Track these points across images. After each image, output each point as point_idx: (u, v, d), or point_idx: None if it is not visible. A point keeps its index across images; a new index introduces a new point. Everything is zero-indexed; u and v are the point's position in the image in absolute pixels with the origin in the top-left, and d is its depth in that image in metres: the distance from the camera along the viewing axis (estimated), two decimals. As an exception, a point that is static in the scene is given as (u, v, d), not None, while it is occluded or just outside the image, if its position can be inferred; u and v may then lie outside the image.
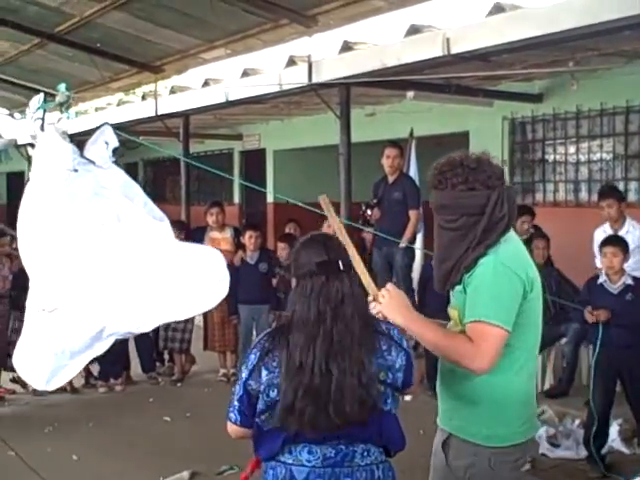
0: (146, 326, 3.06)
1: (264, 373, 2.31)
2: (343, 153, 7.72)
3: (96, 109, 13.57)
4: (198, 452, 5.34)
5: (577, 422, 5.48)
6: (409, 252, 6.90)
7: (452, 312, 2.64)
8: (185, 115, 10.62)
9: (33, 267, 3.12)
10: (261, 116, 12.43)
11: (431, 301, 6.63)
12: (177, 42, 9.78)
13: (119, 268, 3.04)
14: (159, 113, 10.24)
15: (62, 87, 3.61)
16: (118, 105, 12.35)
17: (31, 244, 3.13)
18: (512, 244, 2.58)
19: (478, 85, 8.51)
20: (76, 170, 3.19)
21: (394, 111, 10.37)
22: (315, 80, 7.47)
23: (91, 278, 3.01)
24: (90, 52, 10.77)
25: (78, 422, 6.15)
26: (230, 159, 14.97)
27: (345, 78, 7.33)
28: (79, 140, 3.37)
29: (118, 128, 10.81)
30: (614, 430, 5.32)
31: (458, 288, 2.58)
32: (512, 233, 2.62)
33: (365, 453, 2.36)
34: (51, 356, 2.94)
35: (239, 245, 7.54)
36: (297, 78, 7.76)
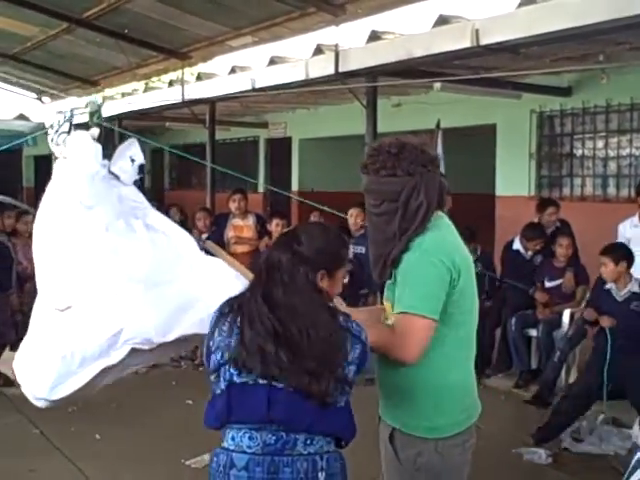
0: (165, 337, 2.88)
1: (216, 335, 2.31)
2: (369, 143, 7.71)
3: (122, 95, 13.65)
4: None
5: (601, 417, 5.47)
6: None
7: (386, 305, 2.64)
8: (211, 102, 10.65)
9: (46, 264, 3.03)
10: (287, 104, 12.44)
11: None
12: (204, 29, 9.79)
13: (140, 272, 2.96)
14: (185, 99, 10.27)
15: (95, 98, 3.62)
16: (145, 91, 12.41)
17: (48, 241, 3.05)
18: (440, 230, 2.54)
19: (506, 77, 8.45)
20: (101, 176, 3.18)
21: (420, 102, 10.34)
22: (342, 69, 7.46)
23: (111, 279, 2.90)
24: (118, 38, 10.80)
25: (101, 403, 6.18)
26: (256, 147, 15.00)
27: (372, 68, 7.32)
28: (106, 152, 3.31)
29: (144, 114, 10.92)
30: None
31: (390, 282, 2.59)
32: (442, 219, 2.59)
33: (308, 441, 2.27)
34: (58, 360, 2.76)
35: (262, 232, 7.56)
36: (324, 67, 7.75)
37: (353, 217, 7.22)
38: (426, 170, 2.52)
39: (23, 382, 2.87)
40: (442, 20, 6.57)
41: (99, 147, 3.22)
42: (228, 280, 2.97)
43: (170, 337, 2.89)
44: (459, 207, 8.46)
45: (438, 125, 8.24)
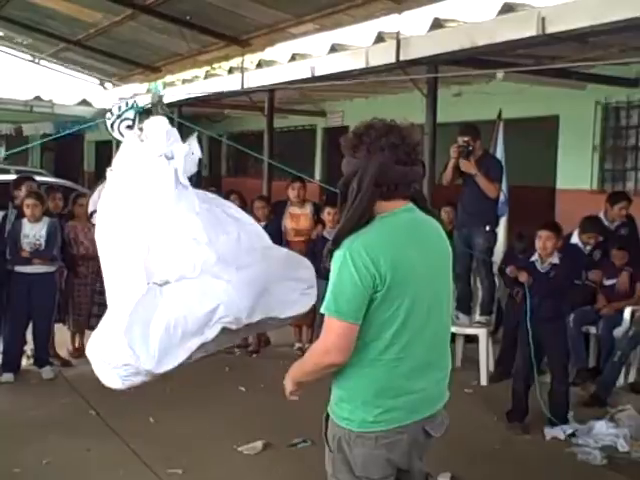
0: (251, 317, 3.10)
1: None
2: (428, 133, 7.62)
3: (183, 81, 13.78)
4: (271, 423, 5.40)
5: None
6: (491, 235, 6.75)
7: None
8: (270, 90, 10.66)
9: (134, 243, 3.13)
10: (346, 93, 12.37)
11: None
12: (266, 16, 9.79)
13: (230, 254, 3.13)
14: (245, 87, 10.30)
15: (157, 86, 3.64)
16: (205, 78, 12.49)
17: (135, 220, 3.14)
18: (381, 229, 2.41)
19: (571, 67, 8.24)
20: (172, 158, 3.26)
21: (481, 92, 10.17)
22: (403, 58, 7.39)
23: (204, 258, 3.04)
24: (180, 24, 10.89)
25: (156, 387, 6.22)
26: (313, 135, 14.98)
27: (434, 56, 7.22)
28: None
29: (204, 101, 11.02)
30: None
31: None
32: (396, 215, 2.45)
33: None
34: (162, 331, 2.91)
35: (318, 221, 7.54)
36: (385, 55, 7.68)
37: None
38: (377, 156, 2.39)
39: (134, 354, 2.96)
40: (507, 8, 6.44)
41: (175, 131, 3.32)
42: (298, 267, 3.26)
43: (255, 318, 3.11)
44: (519, 200, 8.34)
45: (500, 115, 8.08)
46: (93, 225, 7.24)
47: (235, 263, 3.10)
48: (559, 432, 5.32)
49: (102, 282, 7.21)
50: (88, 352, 3.18)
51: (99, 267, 7.20)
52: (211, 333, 3.02)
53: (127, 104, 3.45)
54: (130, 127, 3.39)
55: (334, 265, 2.40)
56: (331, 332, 2.42)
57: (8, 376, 6.42)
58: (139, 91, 16.35)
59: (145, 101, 3.60)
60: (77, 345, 7.30)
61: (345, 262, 2.35)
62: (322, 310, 2.43)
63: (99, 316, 7.12)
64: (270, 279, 3.18)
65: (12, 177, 10.60)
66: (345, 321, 2.37)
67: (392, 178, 2.41)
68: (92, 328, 7.25)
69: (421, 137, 7.69)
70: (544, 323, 5.37)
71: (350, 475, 2.56)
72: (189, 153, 3.33)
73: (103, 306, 7.22)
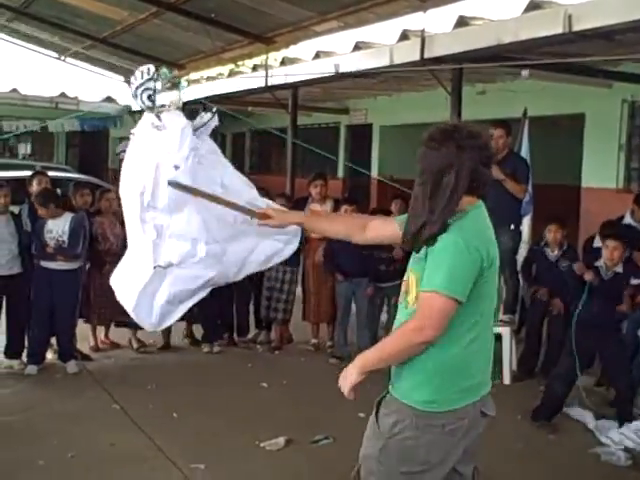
0: (238, 276, 3.63)
1: None
2: (452, 131, 7.58)
3: (207, 78, 13.83)
4: (293, 420, 5.41)
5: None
6: (515, 235, 6.71)
7: (410, 276, 2.70)
8: (294, 87, 10.67)
9: (143, 228, 3.40)
10: (369, 91, 12.36)
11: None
12: (290, 14, 9.79)
13: (224, 233, 3.43)
14: (269, 84, 10.32)
15: (167, 72, 3.71)
16: (229, 75, 12.54)
17: (141, 206, 3.37)
18: (478, 219, 2.64)
19: (597, 65, 8.17)
20: (197, 149, 3.41)
21: (506, 90, 10.12)
22: (427, 55, 7.36)
23: (202, 240, 3.34)
24: (204, 22, 10.93)
25: (179, 382, 6.34)
26: (336, 133, 14.99)
27: (458, 54, 7.19)
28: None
29: (227, 98, 11.03)
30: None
31: (419, 255, 2.64)
32: (480, 209, 2.66)
33: None
34: (164, 304, 3.36)
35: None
36: (409, 53, 7.66)
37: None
38: (469, 155, 2.57)
39: (139, 321, 3.52)
40: (533, 5, 6.40)
41: (189, 123, 3.41)
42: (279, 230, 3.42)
43: (241, 275, 3.64)
44: (543, 198, 8.29)
45: (525, 114, 8.04)
46: (119, 221, 7.37)
47: (227, 239, 3.44)
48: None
49: None
50: (112, 282, 3.62)
51: None
52: (203, 293, 3.50)
53: (148, 72, 3.46)
54: (151, 98, 3.43)
55: (445, 248, 2.52)
56: (431, 309, 2.51)
57: (32, 368, 6.50)
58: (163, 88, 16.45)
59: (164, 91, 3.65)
60: (102, 338, 7.38)
61: (459, 246, 2.51)
62: (434, 288, 2.50)
63: (124, 312, 7.21)
64: (258, 240, 3.54)
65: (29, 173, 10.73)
66: (452, 298, 2.49)
67: (478, 177, 2.61)
68: (119, 324, 7.39)
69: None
70: (598, 329, 5.34)
71: (400, 462, 2.63)
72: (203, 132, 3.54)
73: None
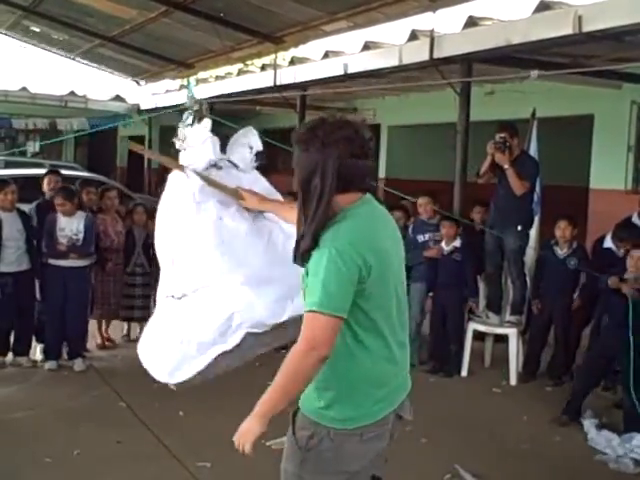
0: (277, 319, 2.97)
1: None
2: (461, 131, 7.58)
3: (216, 78, 13.86)
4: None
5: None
6: (523, 236, 6.70)
7: (303, 291, 2.52)
8: (303, 87, 10.67)
9: (164, 256, 3.15)
10: (378, 91, 12.34)
11: (548, 285, 6.46)
12: (299, 13, 9.80)
13: (250, 261, 3.02)
14: (278, 84, 10.32)
15: (191, 88, 3.69)
16: (238, 75, 12.56)
17: (165, 234, 3.17)
18: (355, 221, 2.41)
19: (607, 66, 8.13)
20: (220, 167, 3.24)
21: (514, 90, 10.09)
22: (436, 56, 7.36)
23: (222, 267, 2.98)
24: (213, 21, 10.94)
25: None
26: (344, 133, 14.96)
27: (468, 54, 7.17)
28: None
29: (236, 97, 10.96)
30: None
31: (303, 272, 2.47)
32: (363, 206, 2.46)
33: None
34: (176, 345, 2.93)
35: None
36: (418, 53, 7.66)
37: (422, 206, 7.15)
38: (334, 150, 2.37)
39: (147, 366, 3.07)
40: (543, 6, 6.39)
41: (216, 139, 3.27)
42: None
43: (283, 317, 2.96)
44: (551, 199, 8.26)
45: (534, 114, 8.02)
46: (120, 218, 7.45)
47: (255, 269, 3.00)
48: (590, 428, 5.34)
49: (129, 274, 7.42)
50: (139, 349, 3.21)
51: (126, 259, 7.44)
52: (233, 340, 2.93)
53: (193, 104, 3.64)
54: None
55: (318, 262, 2.35)
56: (315, 328, 2.33)
57: (52, 363, 6.57)
58: (171, 87, 16.50)
59: (182, 100, 3.66)
60: (105, 335, 7.46)
61: (332, 258, 2.32)
62: (311, 307, 2.33)
63: (128, 307, 7.26)
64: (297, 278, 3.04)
65: (42, 171, 10.77)
66: (333, 315, 2.31)
67: (350, 171, 2.40)
68: (123, 319, 7.46)
69: (454, 136, 7.67)
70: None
71: (320, 475, 2.52)
72: (244, 149, 3.35)
73: (130, 298, 7.41)
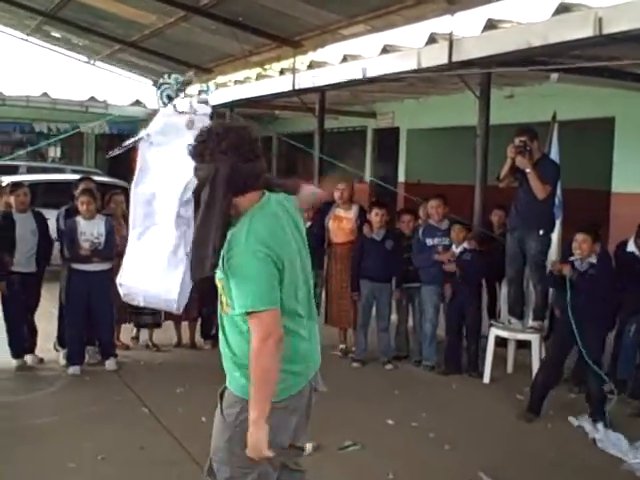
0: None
1: None
2: (480, 135, 7.55)
3: (235, 82, 13.88)
4: (322, 425, 5.35)
5: None
6: (545, 240, 6.66)
7: (218, 283, 2.75)
8: (321, 91, 10.68)
9: (176, 222, 3.64)
10: (397, 94, 12.34)
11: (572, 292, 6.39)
12: (318, 17, 9.79)
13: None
14: (296, 88, 10.33)
15: (177, 78, 4.07)
16: (257, 79, 12.57)
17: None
18: (263, 220, 2.64)
19: (627, 68, 8.08)
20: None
21: (534, 93, 10.06)
22: (455, 59, 7.32)
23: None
24: (232, 25, 10.96)
25: (208, 385, 6.28)
26: (363, 136, 14.97)
27: (487, 58, 7.14)
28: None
29: (256, 101, 11.06)
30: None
31: (219, 274, 2.69)
32: (267, 205, 2.69)
33: None
34: (188, 287, 3.60)
35: (363, 223, 7.49)
36: (437, 56, 7.62)
37: (434, 208, 7.15)
38: (226, 157, 2.58)
39: (160, 304, 3.88)
40: (563, 8, 6.34)
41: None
42: None
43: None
44: (573, 203, 8.20)
45: (554, 117, 7.97)
46: (126, 223, 7.49)
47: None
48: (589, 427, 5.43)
49: None
50: (120, 279, 3.91)
51: None
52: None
53: (169, 76, 4.08)
54: (170, 97, 3.92)
55: (237, 265, 2.57)
56: (261, 325, 2.57)
57: (75, 369, 6.66)
58: (190, 92, 16.55)
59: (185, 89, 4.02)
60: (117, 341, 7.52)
61: (249, 259, 2.56)
62: (248, 309, 2.57)
63: (136, 313, 7.24)
64: None
65: (68, 176, 10.87)
66: (272, 309, 2.58)
67: (242, 175, 2.62)
68: (136, 324, 7.50)
69: (473, 139, 7.65)
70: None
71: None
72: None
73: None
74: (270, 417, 2.59)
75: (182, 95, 4.07)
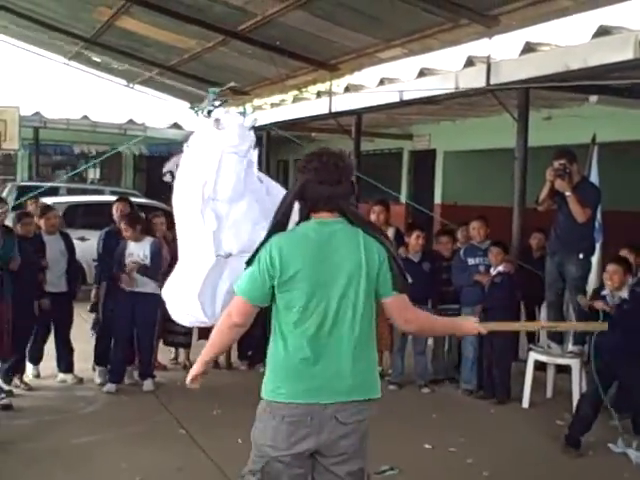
0: None
1: None
2: (519, 157, 7.52)
3: (271, 105, 14.02)
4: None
5: None
6: (585, 263, 6.58)
7: None
8: (358, 113, 10.72)
9: (203, 220, 3.58)
10: (433, 116, 12.34)
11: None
12: (354, 41, 9.86)
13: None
14: (333, 110, 10.40)
15: (214, 91, 4.14)
16: (293, 102, 12.68)
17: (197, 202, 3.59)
18: (293, 234, 2.97)
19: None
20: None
21: (573, 115, 9.99)
22: (493, 82, 7.34)
23: (264, 225, 3.39)
24: (269, 50, 11.08)
25: (244, 406, 6.32)
26: (399, 159, 14.98)
27: (525, 80, 7.13)
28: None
29: (292, 124, 11.19)
30: None
31: None
32: (314, 224, 2.95)
33: None
34: (225, 294, 3.47)
35: (399, 244, 7.47)
36: (474, 79, 7.65)
37: (476, 229, 7.13)
38: (304, 176, 2.97)
39: (194, 314, 3.65)
40: (603, 31, 6.32)
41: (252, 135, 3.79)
42: None
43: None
44: (613, 226, 8.11)
45: (594, 140, 7.91)
46: (167, 243, 7.57)
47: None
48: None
49: None
50: (164, 294, 3.92)
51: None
52: None
53: (210, 97, 4.08)
54: (210, 112, 3.94)
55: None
56: (233, 305, 3.01)
57: (111, 387, 6.76)
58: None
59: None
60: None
61: (258, 254, 2.93)
62: (234, 289, 3.01)
63: (172, 332, 7.28)
64: None
65: (107, 198, 11.03)
66: (242, 299, 2.96)
67: (312, 194, 2.94)
68: (168, 343, 7.55)
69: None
70: None
71: (254, 448, 3.02)
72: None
73: (173, 322, 7.50)
74: (260, 415, 2.98)
75: (218, 104, 4.12)
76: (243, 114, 4.24)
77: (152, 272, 6.68)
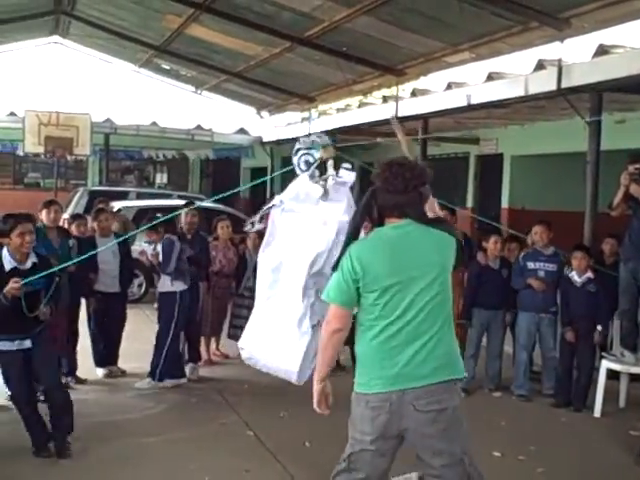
0: None
1: None
2: (590, 161, 7.38)
3: (337, 110, 14.07)
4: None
5: None
6: (661, 270, 6.41)
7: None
8: (424, 118, 10.67)
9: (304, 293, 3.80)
10: (501, 120, 12.19)
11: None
12: (421, 45, 9.84)
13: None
14: (399, 115, 10.37)
15: (327, 140, 4.10)
16: (358, 107, 12.70)
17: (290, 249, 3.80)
18: (372, 238, 3.25)
19: None
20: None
21: (648, 118, 9.73)
22: (565, 85, 7.22)
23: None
24: (336, 55, 11.14)
25: (310, 409, 6.36)
26: (466, 163, 14.83)
27: (598, 83, 7.00)
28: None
29: (357, 128, 11.23)
30: None
31: None
32: (388, 229, 3.20)
33: None
34: (311, 360, 3.71)
35: (470, 251, 7.42)
36: (545, 82, 7.55)
37: (538, 234, 7.03)
38: (377, 185, 3.21)
39: (263, 362, 4.02)
40: (680, 32, 6.15)
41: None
42: None
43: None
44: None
45: (669, 143, 7.70)
46: (233, 246, 7.88)
47: None
48: None
49: (239, 296, 7.79)
50: (242, 343, 4.11)
51: (236, 282, 7.87)
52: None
53: (312, 142, 3.95)
54: (308, 162, 3.90)
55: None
56: (330, 314, 3.23)
57: (170, 382, 6.99)
58: (293, 119, 16.86)
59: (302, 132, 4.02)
60: (214, 350, 8.05)
61: (342, 262, 3.19)
62: (323, 297, 3.29)
63: (236, 327, 7.48)
64: None
65: (174, 202, 11.26)
66: (335, 305, 3.20)
67: (382, 201, 3.21)
68: (233, 337, 7.72)
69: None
70: None
71: (350, 430, 3.33)
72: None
73: (238, 318, 7.72)
74: (355, 406, 3.26)
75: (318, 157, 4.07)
76: (349, 169, 4.19)
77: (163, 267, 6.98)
